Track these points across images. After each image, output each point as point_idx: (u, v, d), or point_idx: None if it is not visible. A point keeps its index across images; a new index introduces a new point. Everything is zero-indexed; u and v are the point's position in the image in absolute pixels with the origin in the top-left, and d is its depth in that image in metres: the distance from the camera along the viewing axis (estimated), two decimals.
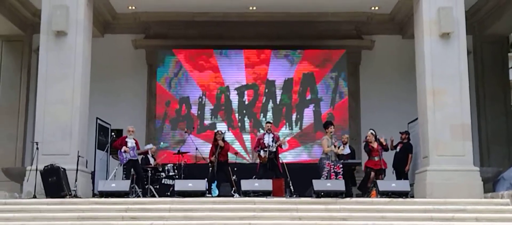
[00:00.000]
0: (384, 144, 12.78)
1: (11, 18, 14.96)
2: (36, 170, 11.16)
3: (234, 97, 16.01)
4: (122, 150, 12.33)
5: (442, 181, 11.46)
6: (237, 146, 15.33)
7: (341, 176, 11.73)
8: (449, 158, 11.70)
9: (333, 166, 11.84)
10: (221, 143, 12.64)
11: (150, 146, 13.32)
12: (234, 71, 16.04)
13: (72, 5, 12.23)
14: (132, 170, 12.37)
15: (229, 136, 14.93)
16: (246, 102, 15.98)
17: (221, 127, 15.23)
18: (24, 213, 9.95)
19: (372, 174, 12.60)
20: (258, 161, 12.69)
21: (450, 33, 12.11)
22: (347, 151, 12.68)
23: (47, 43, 12.22)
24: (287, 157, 14.57)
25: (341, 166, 11.93)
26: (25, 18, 15.58)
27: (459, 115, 11.95)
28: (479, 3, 14.94)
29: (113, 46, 16.06)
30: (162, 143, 13.68)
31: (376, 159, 12.68)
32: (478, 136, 15.28)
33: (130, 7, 15.52)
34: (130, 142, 12.49)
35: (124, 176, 12.58)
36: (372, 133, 12.86)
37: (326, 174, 11.76)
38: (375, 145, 12.72)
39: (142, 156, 13.12)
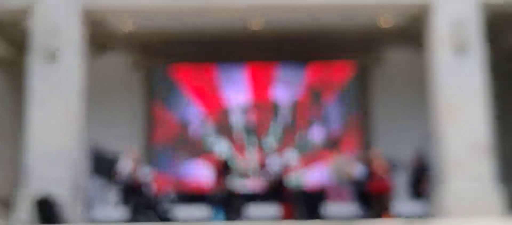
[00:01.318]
0: (382, 170, 12.64)
1: (3, 38, 14.98)
2: (29, 197, 11.05)
3: (237, 117, 15.94)
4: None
5: (460, 200, 11.33)
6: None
7: (347, 198, 11.63)
8: (467, 176, 11.59)
9: (338, 188, 11.78)
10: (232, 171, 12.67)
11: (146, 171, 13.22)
12: (237, 90, 16.01)
13: (65, 26, 12.26)
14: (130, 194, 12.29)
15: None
16: (250, 123, 15.91)
17: (224, 148, 15.18)
18: None
19: (375, 198, 12.48)
20: (263, 184, 12.59)
21: (465, 46, 12.06)
22: (359, 172, 12.56)
23: (40, 64, 12.21)
24: (296, 179, 14.43)
25: (351, 188, 11.84)
26: (18, 39, 15.57)
27: (477, 132, 11.88)
28: (495, 15, 14.88)
29: (110, 66, 16.04)
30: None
31: (377, 180, 12.56)
32: (500, 153, 15.09)
33: (127, 27, 15.54)
34: (128, 165, 12.44)
35: (124, 201, 12.46)
36: (377, 152, 12.76)
37: (332, 196, 11.74)
38: (378, 165, 12.60)
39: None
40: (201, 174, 13.52)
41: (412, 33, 15.66)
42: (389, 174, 12.68)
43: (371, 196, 12.66)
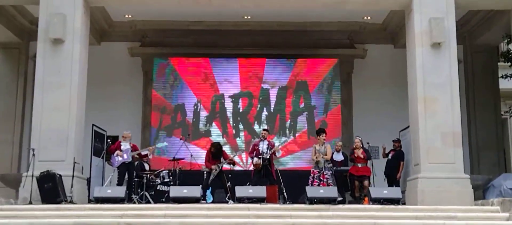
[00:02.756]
0: (363, 156, 12.82)
1: (9, 25, 14.94)
2: (32, 176, 11.11)
3: (228, 105, 16.05)
4: (115, 154, 12.36)
5: (433, 188, 11.47)
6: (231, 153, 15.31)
7: (325, 183, 11.80)
8: (440, 166, 11.71)
9: (318, 173, 11.95)
10: (232, 158, 12.81)
11: (146, 151, 13.31)
12: (228, 79, 16.09)
13: (69, 13, 12.18)
14: (126, 173, 12.41)
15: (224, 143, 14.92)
16: (241, 110, 16.02)
17: (215, 133, 15.28)
18: (20, 219, 9.89)
19: (356, 183, 12.69)
20: (252, 167, 12.69)
21: (441, 43, 12.15)
22: (340, 157, 12.75)
23: (44, 50, 12.16)
24: (282, 163, 14.59)
25: (328, 173, 11.98)
26: (23, 26, 15.57)
27: (450, 123, 11.97)
28: (469, 14, 15.04)
29: (110, 54, 16.06)
30: (159, 143, 13.58)
31: (359, 166, 12.78)
32: (468, 144, 15.37)
33: (126, 16, 15.56)
34: (124, 146, 12.52)
35: (118, 178, 12.54)
36: (359, 140, 12.95)
37: (310, 181, 11.89)
38: (359, 152, 12.80)
39: (137, 162, 13.12)
40: (194, 156, 13.54)
41: (392, 29, 15.83)
42: (368, 161, 12.89)
43: (352, 181, 12.89)
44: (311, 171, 12.08)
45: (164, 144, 13.89)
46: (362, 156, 12.80)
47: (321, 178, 11.94)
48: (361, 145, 12.92)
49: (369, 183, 12.81)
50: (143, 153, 13.03)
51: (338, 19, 15.48)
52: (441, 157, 11.78)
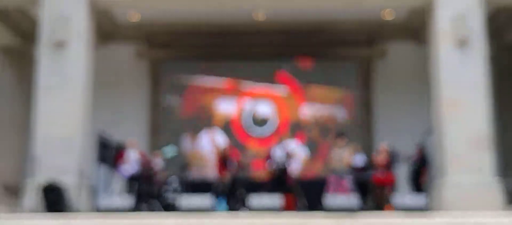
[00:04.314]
0: (384, 162, 12.68)
1: (12, 29, 15.01)
2: (37, 184, 11.11)
3: (242, 109, 15.96)
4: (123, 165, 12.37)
5: (460, 194, 11.34)
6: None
7: (346, 190, 11.68)
8: (467, 170, 11.60)
9: (338, 180, 11.84)
10: (241, 159, 12.65)
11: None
12: (241, 83, 16.01)
13: (73, 16, 12.26)
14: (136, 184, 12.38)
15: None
16: (255, 115, 15.93)
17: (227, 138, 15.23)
18: None
19: (377, 191, 12.51)
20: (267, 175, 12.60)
21: (467, 40, 12.03)
22: (360, 163, 12.60)
23: (48, 54, 12.22)
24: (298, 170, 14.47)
25: (349, 179, 11.88)
26: (26, 29, 15.62)
27: (477, 125, 11.86)
28: (497, 9, 14.84)
29: (115, 57, 16.08)
30: (169, 153, 13.55)
31: (380, 173, 12.59)
32: (500, 147, 15.10)
33: (132, 17, 15.57)
34: (133, 155, 12.48)
35: (128, 190, 12.50)
36: (385, 145, 12.78)
37: (330, 188, 11.80)
38: (380, 158, 12.63)
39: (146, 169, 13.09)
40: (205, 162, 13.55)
41: (414, 27, 15.68)
42: (392, 167, 12.71)
43: (374, 188, 12.71)
44: (331, 177, 11.92)
45: (173, 151, 13.76)
46: (379, 160, 12.62)
47: (341, 184, 11.81)
48: (386, 150, 12.73)
49: (391, 190, 12.63)
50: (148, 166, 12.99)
51: (356, 17, 15.37)
52: (467, 161, 11.66)
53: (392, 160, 12.78)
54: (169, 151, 13.78)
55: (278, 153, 12.42)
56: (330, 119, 15.84)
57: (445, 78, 12.07)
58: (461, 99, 11.96)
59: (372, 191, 12.79)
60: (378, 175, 12.67)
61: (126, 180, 12.53)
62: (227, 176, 12.46)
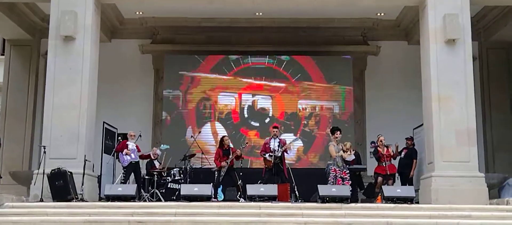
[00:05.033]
0: (392, 153, 12.79)
1: (20, 23, 15.08)
2: (43, 173, 11.21)
3: (242, 102, 16.02)
4: (123, 153, 12.43)
5: (447, 187, 11.44)
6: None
7: (348, 181, 11.79)
8: (455, 164, 11.67)
9: (339, 172, 11.93)
10: (239, 152, 12.71)
11: (157, 151, 13.35)
12: (241, 77, 16.07)
13: (80, 11, 12.26)
14: (132, 173, 12.49)
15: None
16: (252, 107, 16.01)
17: (229, 132, 15.32)
18: (31, 217, 9.96)
19: (379, 179, 12.64)
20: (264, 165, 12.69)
21: (456, 39, 12.10)
22: (352, 157, 12.69)
23: (55, 48, 12.25)
24: (292, 161, 14.57)
25: (347, 171, 12.00)
26: (34, 23, 15.70)
27: (465, 121, 11.92)
28: (484, 10, 14.94)
29: (120, 51, 16.14)
30: (162, 146, 13.60)
31: (384, 164, 12.71)
32: (483, 142, 15.25)
33: (137, 13, 15.61)
34: (131, 145, 12.60)
35: (123, 177, 12.59)
36: (383, 138, 12.89)
37: (333, 180, 11.86)
38: (385, 150, 12.75)
39: (147, 159, 13.19)
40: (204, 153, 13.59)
41: (406, 26, 15.75)
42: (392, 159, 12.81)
43: (376, 178, 12.82)
44: (332, 169, 12.00)
45: (166, 146, 13.77)
46: (386, 154, 12.75)
47: (342, 176, 11.92)
48: (384, 144, 12.85)
49: (394, 181, 12.77)
50: (145, 155, 13.09)
51: (351, 15, 15.43)
52: (455, 155, 11.75)
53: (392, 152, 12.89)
54: (163, 146, 13.70)
55: (274, 144, 12.49)
56: (325, 113, 15.90)
57: (434, 75, 12.12)
58: (449, 96, 12.02)
59: (375, 181, 12.92)
60: (382, 167, 12.77)
61: (123, 168, 12.58)
62: (226, 167, 12.58)
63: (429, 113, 12.19)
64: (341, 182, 11.78)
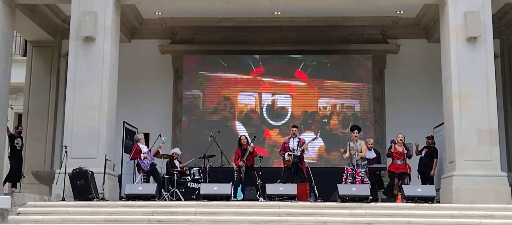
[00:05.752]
0: (403, 152, 12.68)
1: (41, 24, 15.24)
2: (65, 173, 11.31)
3: (262, 101, 16.00)
4: (142, 158, 12.44)
5: (469, 186, 11.32)
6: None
7: (360, 181, 11.71)
8: (476, 163, 11.55)
9: (352, 171, 11.87)
10: (250, 148, 12.71)
11: (176, 149, 13.39)
12: (260, 76, 16.05)
13: (100, 12, 12.35)
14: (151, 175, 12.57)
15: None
16: (272, 107, 15.99)
17: (249, 131, 15.32)
18: (53, 216, 10.08)
19: (396, 180, 12.55)
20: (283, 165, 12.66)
21: (477, 37, 11.97)
22: (372, 155, 12.63)
23: (76, 48, 12.36)
24: (313, 160, 14.51)
25: (362, 171, 11.89)
26: (55, 25, 15.86)
27: (486, 120, 11.79)
28: (506, 7, 14.72)
29: (140, 51, 16.23)
30: (164, 138, 13.54)
31: (399, 162, 12.62)
32: (505, 141, 15.04)
33: (156, 13, 15.69)
34: (144, 148, 12.63)
35: (144, 179, 12.62)
36: (403, 136, 12.78)
37: (344, 178, 11.83)
38: (400, 148, 12.65)
39: (167, 159, 13.24)
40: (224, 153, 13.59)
41: (426, 24, 15.61)
42: (407, 158, 12.72)
43: (392, 179, 12.74)
44: (345, 168, 11.99)
45: (166, 138, 13.71)
46: (400, 150, 12.65)
47: (355, 175, 11.86)
48: (403, 142, 12.76)
49: (410, 180, 12.67)
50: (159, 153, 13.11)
51: (370, 14, 15.33)
52: (476, 154, 11.62)
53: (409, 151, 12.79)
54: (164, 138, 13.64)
55: (293, 144, 12.46)
56: (346, 112, 15.82)
57: (455, 73, 12.01)
58: (470, 94, 11.90)
59: (391, 181, 12.84)
60: (395, 165, 12.70)
61: (143, 172, 12.58)
62: (245, 166, 12.58)
63: (449, 111, 12.07)
64: (350, 181, 11.73)
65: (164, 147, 13.23)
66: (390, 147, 12.93)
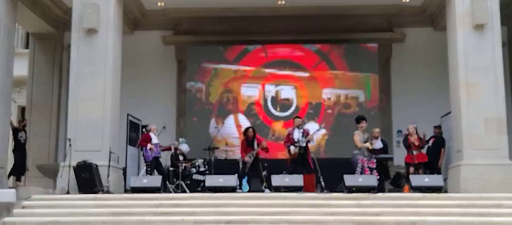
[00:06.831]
0: (418, 143, 12.63)
1: (43, 16, 15.20)
2: (69, 166, 11.32)
3: (265, 93, 15.97)
4: (148, 147, 12.44)
5: (477, 176, 11.28)
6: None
7: (376, 171, 11.68)
8: (484, 152, 11.51)
9: (367, 161, 11.82)
10: (264, 144, 12.55)
11: (185, 147, 13.34)
12: (264, 67, 16.00)
13: (102, 3, 12.32)
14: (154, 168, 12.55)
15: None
16: (276, 98, 15.95)
17: (252, 122, 15.29)
18: (58, 209, 10.10)
19: (411, 169, 12.48)
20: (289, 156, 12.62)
21: (484, 24, 11.91)
22: (379, 145, 12.58)
23: (78, 40, 12.34)
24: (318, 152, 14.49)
25: (375, 161, 11.88)
26: (57, 17, 15.82)
27: (494, 108, 11.76)
28: None
29: (143, 42, 16.17)
30: (181, 140, 13.56)
31: (415, 153, 12.57)
32: None
33: (159, 4, 15.61)
34: (155, 140, 12.61)
35: (148, 171, 12.63)
36: (414, 127, 12.73)
37: (360, 170, 11.77)
38: (414, 139, 12.59)
39: (171, 152, 13.23)
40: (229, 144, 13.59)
41: (432, 11, 15.50)
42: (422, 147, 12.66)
43: (407, 168, 12.70)
44: (360, 159, 11.90)
45: (184, 145, 13.72)
46: (416, 143, 12.60)
47: (370, 166, 11.81)
48: (415, 132, 12.71)
49: (424, 170, 12.62)
50: (166, 147, 13.10)
51: (375, 2, 15.21)
52: (484, 144, 11.59)
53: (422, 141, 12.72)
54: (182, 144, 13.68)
55: (298, 135, 12.41)
56: (351, 102, 15.77)
57: (462, 62, 11.95)
58: (478, 82, 11.85)
59: (406, 170, 12.79)
60: (411, 156, 12.63)
61: (146, 163, 12.60)
62: (250, 158, 12.55)
63: (457, 100, 12.02)
64: (369, 172, 11.66)
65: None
66: (406, 139, 12.82)
